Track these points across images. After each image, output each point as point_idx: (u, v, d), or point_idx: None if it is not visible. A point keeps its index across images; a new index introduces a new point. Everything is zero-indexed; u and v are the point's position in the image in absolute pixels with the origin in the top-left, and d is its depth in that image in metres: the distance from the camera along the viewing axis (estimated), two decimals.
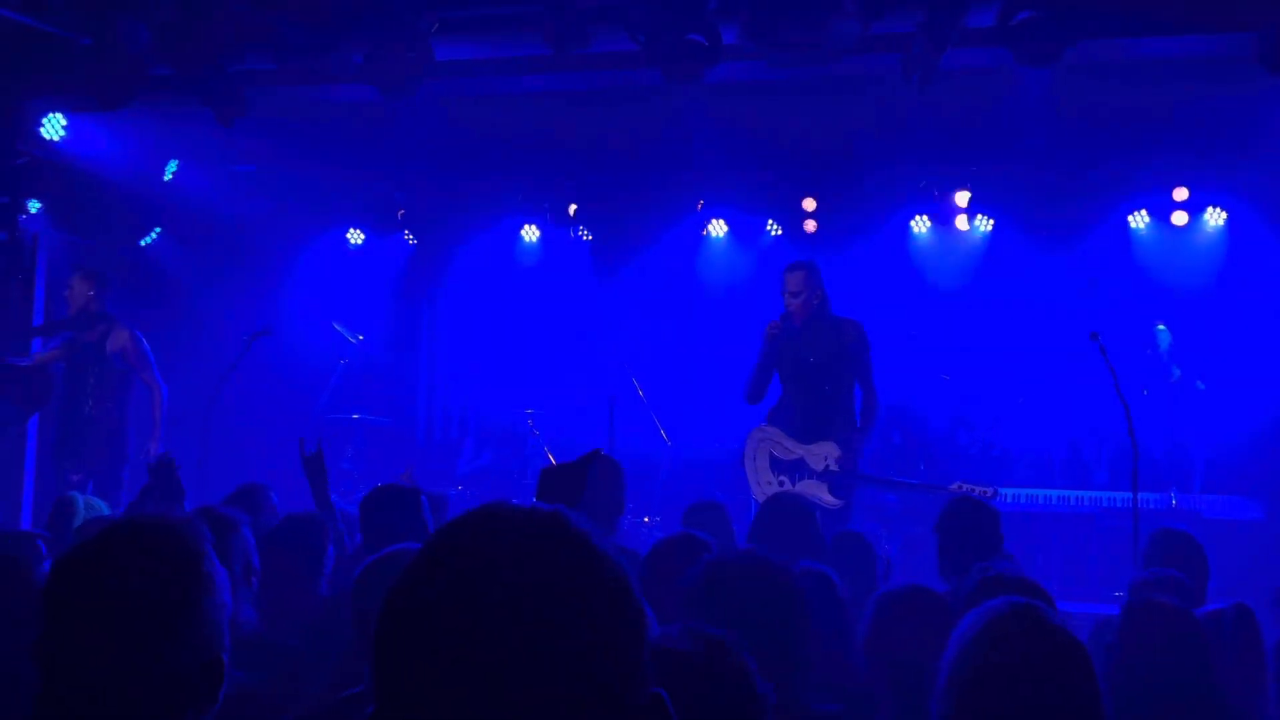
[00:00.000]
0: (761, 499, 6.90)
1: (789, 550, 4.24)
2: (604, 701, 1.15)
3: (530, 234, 11.75)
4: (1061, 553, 9.89)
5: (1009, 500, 9.55)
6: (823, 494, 7.45)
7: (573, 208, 11.28)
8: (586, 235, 11.59)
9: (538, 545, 1.19)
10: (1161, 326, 10.00)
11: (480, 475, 11.17)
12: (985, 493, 7.35)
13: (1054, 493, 9.80)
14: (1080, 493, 9.76)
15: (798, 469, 7.61)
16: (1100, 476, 9.99)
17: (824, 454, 7.52)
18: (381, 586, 3.06)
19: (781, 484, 7.52)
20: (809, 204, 10.83)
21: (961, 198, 10.54)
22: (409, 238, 11.76)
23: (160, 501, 5.71)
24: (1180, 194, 10.30)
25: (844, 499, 7.48)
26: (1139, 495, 7.18)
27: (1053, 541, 9.92)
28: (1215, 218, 10.42)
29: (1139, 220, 10.61)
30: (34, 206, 9.69)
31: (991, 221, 10.70)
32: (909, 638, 3.45)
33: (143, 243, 10.93)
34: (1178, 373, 10.13)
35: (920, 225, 10.88)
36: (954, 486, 7.53)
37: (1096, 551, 9.81)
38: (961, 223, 10.74)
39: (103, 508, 6.46)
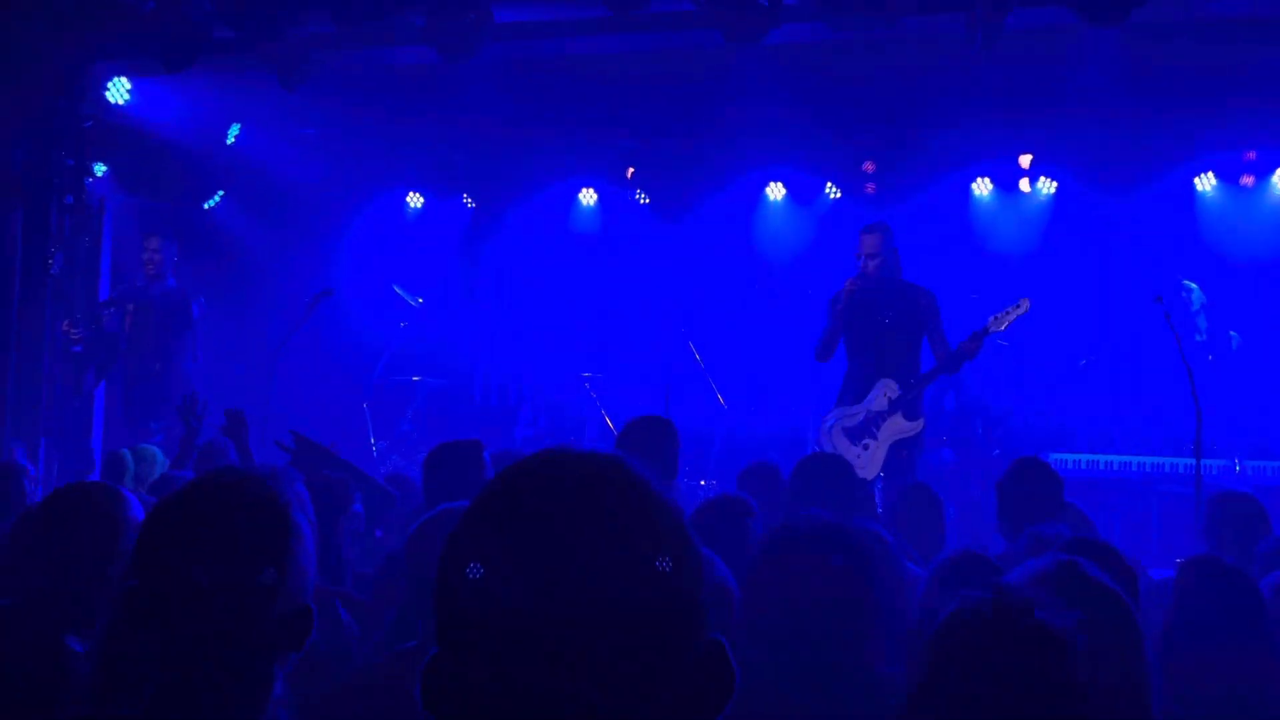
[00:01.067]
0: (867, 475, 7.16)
1: (832, 507, 4.25)
2: (663, 646, 1.16)
3: (588, 197, 11.77)
4: (1122, 519, 9.80)
5: (1069, 465, 9.47)
6: (900, 424, 7.57)
7: (630, 170, 11.27)
8: (644, 198, 11.58)
9: (598, 488, 1.19)
10: (1191, 284, 9.78)
11: (537, 440, 11.23)
12: (1018, 309, 7.61)
13: (1115, 458, 9.70)
14: (1141, 458, 9.66)
15: (870, 424, 7.67)
16: (1162, 442, 9.86)
17: (883, 393, 7.62)
18: (436, 543, 3.10)
19: (867, 446, 7.59)
20: (869, 166, 10.74)
21: (1024, 160, 10.41)
22: (468, 201, 11.81)
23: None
24: (1249, 156, 10.11)
25: (918, 416, 7.62)
26: (1201, 461, 7.09)
27: (1114, 507, 9.83)
28: None
29: (1205, 183, 10.43)
30: (100, 170, 9.83)
31: (1055, 184, 10.56)
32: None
33: (206, 205, 11.06)
34: (1236, 338, 9.93)
35: (982, 188, 10.76)
36: (990, 321, 7.65)
37: (1157, 518, 9.71)
38: (1024, 185, 10.62)
39: (157, 459, 6.59)
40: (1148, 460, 9.57)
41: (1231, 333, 9.93)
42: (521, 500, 1.19)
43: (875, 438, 7.61)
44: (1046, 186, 10.59)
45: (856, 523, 4.27)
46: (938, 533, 5.30)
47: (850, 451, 7.58)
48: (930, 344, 7.74)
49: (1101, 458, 9.76)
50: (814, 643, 2.83)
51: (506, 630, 1.15)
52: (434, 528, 3.18)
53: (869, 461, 7.50)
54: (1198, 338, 9.72)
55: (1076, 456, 9.71)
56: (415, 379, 11.27)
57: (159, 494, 4.75)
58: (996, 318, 7.66)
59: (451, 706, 1.19)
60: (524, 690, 1.14)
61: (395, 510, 5.57)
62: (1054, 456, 9.50)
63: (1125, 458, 9.71)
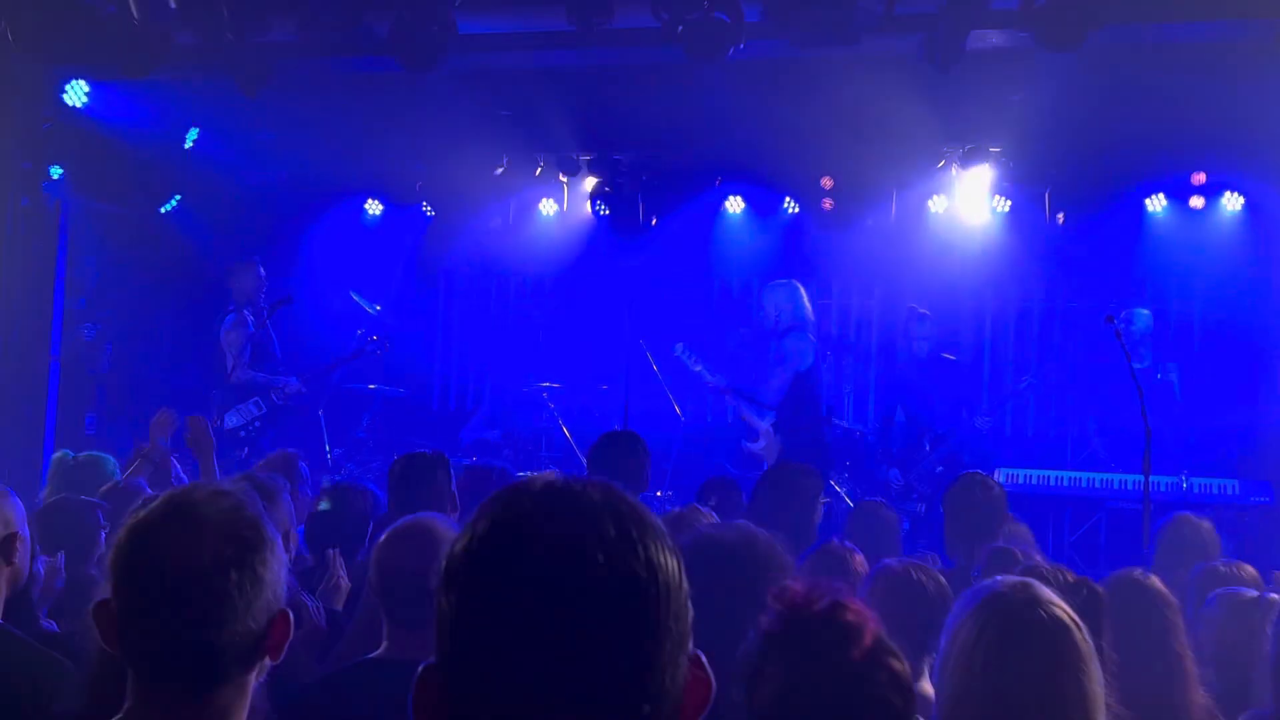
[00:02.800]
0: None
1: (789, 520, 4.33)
2: (655, 669, 1.21)
3: (548, 208, 11.80)
4: (1070, 534, 9.94)
5: (1019, 481, 9.60)
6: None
7: (590, 182, 11.32)
8: (604, 210, 11.62)
9: (603, 516, 1.23)
10: (1143, 310, 9.96)
11: (492, 446, 11.23)
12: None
13: (1065, 474, 9.84)
14: (1090, 474, 9.80)
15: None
16: (1109, 458, 10.01)
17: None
18: (402, 554, 3.13)
19: None
20: (827, 182, 10.85)
21: (977, 177, 10.56)
22: (427, 209, 11.81)
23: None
24: (1198, 178, 10.31)
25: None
26: (1150, 478, 7.20)
27: (1063, 523, 9.97)
28: (1233, 202, 10.44)
29: (1156, 204, 10.62)
30: (56, 172, 9.75)
31: (1009, 202, 10.70)
32: (904, 612, 3.51)
33: (163, 210, 10.99)
34: (1174, 369, 10.08)
35: (938, 205, 10.89)
36: None
37: (1105, 533, 9.86)
38: (977, 202, 10.76)
39: (107, 465, 6.53)
40: (1097, 476, 9.71)
41: (1170, 364, 10.09)
42: (525, 534, 1.23)
43: None
44: (1000, 205, 10.73)
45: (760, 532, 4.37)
46: (893, 548, 5.38)
47: None
48: None
49: (1051, 473, 9.89)
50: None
51: (503, 655, 1.19)
52: (400, 539, 3.21)
53: None
54: (1137, 365, 9.90)
55: (1026, 471, 9.84)
56: (371, 387, 11.25)
57: (112, 501, 4.75)
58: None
59: (439, 717, 1.24)
60: (513, 708, 1.19)
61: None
62: (1003, 471, 9.63)
63: (1074, 473, 9.84)
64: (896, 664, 2.07)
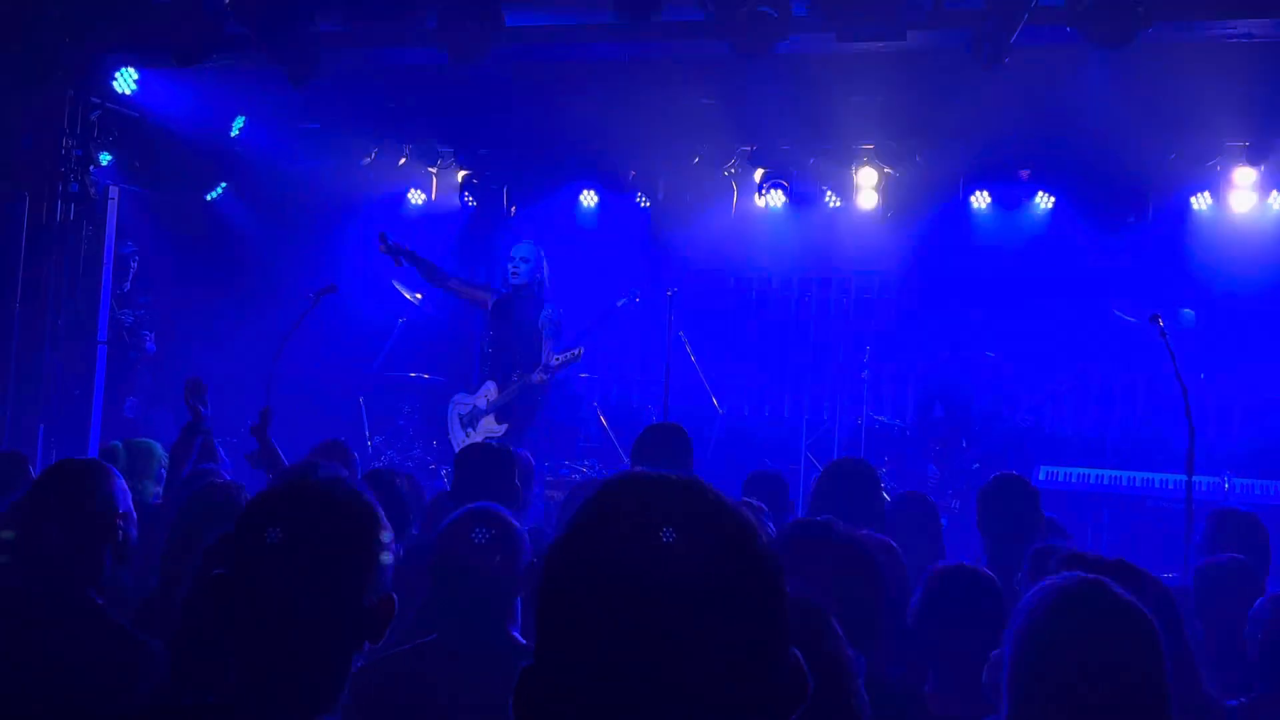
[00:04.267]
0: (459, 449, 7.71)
1: (849, 516, 4.31)
2: (758, 666, 1.23)
3: (589, 199, 11.83)
4: (1112, 534, 9.89)
5: (1059, 479, 9.56)
6: (491, 424, 9.03)
7: (632, 173, 11.34)
8: (645, 201, 11.65)
9: (706, 511, 1.25)
10: (1188, 311, 9.89)
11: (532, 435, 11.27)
12: (573, 355, 8.98)
13: (1105, 472, 9.79)
14: (1131, 473, 9.75)
15: (474, 417, 9.18)
16: (1151, 458, 9.95)
17: (484, 394, 9.18)
18: (463, 541, 3.17)
19: (469, 435, 9.05)
20: (868, 177, 10.83)
21: (1023, 174, 10.53)
22: (469, 200, 11.85)
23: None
24: (1244, 177, 10.20)
25: (506, 421, 9.02)
26: (1192, 478, 7.17)
27: (1103, 522, 9.93)
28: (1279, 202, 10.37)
29: (1201, 202, 10.53)
30: (105, 159, 9.86)
31: (1052, 200, 10.66)
32: (958, 616, 3.52)
33: (209, 197, 11.09)
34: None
35: (980, 201, 10.85)
36: (554, 359, 9.00)
37: (1147, 533, 9.81)
38: (1023, 200, 10.73)
39: (155, 452, 6.61)
40: (1138, 475, 9.66)
41: (1213, 366, 10.01)
42: (626, 523, 1.24)
43: (475, 430, 9.07)
44: (1044, 201, 10.69)
45: (866, 532, 4.38)
46: (936, 543, 5.37)
47: (454, 434, 9.35)
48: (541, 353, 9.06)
49: (1091, 471, 9.84)
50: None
51: (607, 653, 1.20)
52: (465, 527, 3.24)
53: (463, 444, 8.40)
54: (1180, 365, 9.83)
55: (1066, 470, 9.80)
56: (412, 375, 11.31)
57: (190, 488, 4.80)
58: (556, 357, 8.99)
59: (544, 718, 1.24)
60: (620, 708, 1.20)
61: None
62: (1043, 469, 9.60)
63: (1115, 472, 9.79)
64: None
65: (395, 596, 2.06)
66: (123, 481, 3.22)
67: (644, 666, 1.19)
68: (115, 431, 9.28)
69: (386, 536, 2.07)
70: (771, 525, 4.21)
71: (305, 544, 1.98)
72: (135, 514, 3.23)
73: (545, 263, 9.41)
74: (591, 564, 1.24)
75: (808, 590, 2.81)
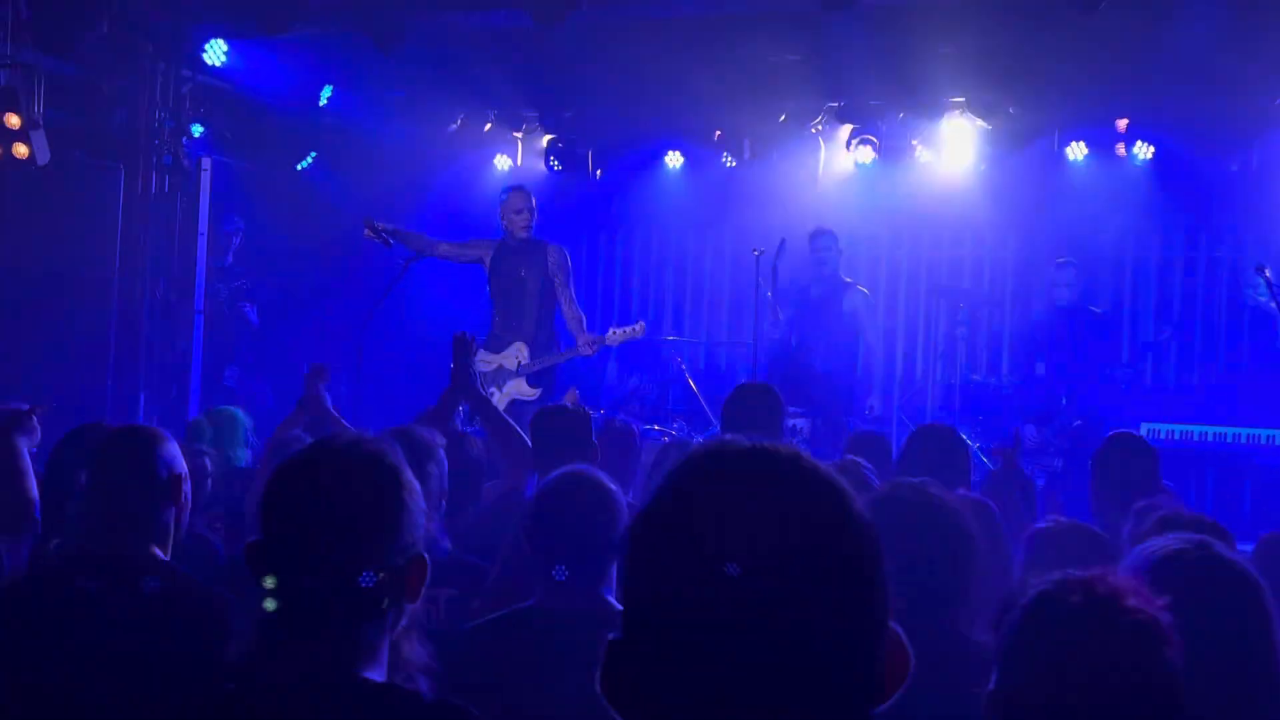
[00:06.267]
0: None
1: (939, 478, 4.24)
2: (862, 637, 1.18)
3: (674, 160, 11.76)
4: (1214, 492, 9.66)
5: (1161, 436, 9.34)
6: (521, 387, 8.47)
7: (718, 133, 11.23)
8: (730, 161, 11.54)
9: (802, 480, 1.20)
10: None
11: (625, 400, 11.28)
12: (634, 331, 8.61)
13: (1210, 429, 9.54)
14: (1236, 429, 9.49)
15: (498, 376, 8.53)
16: (1258, 413, 9.66)
17: (514, 354, 8.53)
18: (566, 507, 3.16)
19: (491, 394, 8.32)
20: (959, 129, 10.60)
21: (1121, 124, 10.22)
22: (555, 164, 11.83)
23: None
24: None
25: (539, 386, 8.48)
26: None
27: (1205, 480, 9.70)
28: None
29: None
30: (197, 131, 10.00)
31: (1152, 149, 10.34)
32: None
33: (299, 167, 11.21)
34: None
35: (1076, 152, 10.57)
36: (609, 333, 8.65)
37: (1250, 490, 9.56)
38: (1120, 150, 10.42)
39: (238, 418, 6.75)
40: (1243, 431, 9.40)
41: None
42: (721, 498, 1.19)
43: (500, 389, 8.42)
44: (1143, 151, 10.38)
45: (960, 493, 4.29)
46: (1029, 506, 5.26)
47: None
48: (560, 302, 8.60)
49: (1194, 428, 9.60)
50: (907, 604, 2.87)
51: (692, 635, 1.16)
52: (561, 491, 3.23)
53: None
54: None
55: (1168, 427, 9.57)
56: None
57: (281, 454, 4.87)
58: (614, 331, 8.63)
59: (633, 695, 1.20)
60: (710, 686, 1.16)
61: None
62: (1144, 426, 9.39)
63: (1220, 428, 9.54)
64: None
65: (426, 557, 2.09)
66: (175, 445, 3.26)
67: (732, 648, 1.14)
68: (215, 400, 9.46)
69: (411, 498, 2.09)
70: (872, 475, 4.15)
71: (324, 504, 2.03)
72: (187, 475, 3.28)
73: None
74: (678, 540, 1.19)
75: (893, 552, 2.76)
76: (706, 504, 1.19)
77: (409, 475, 2.11)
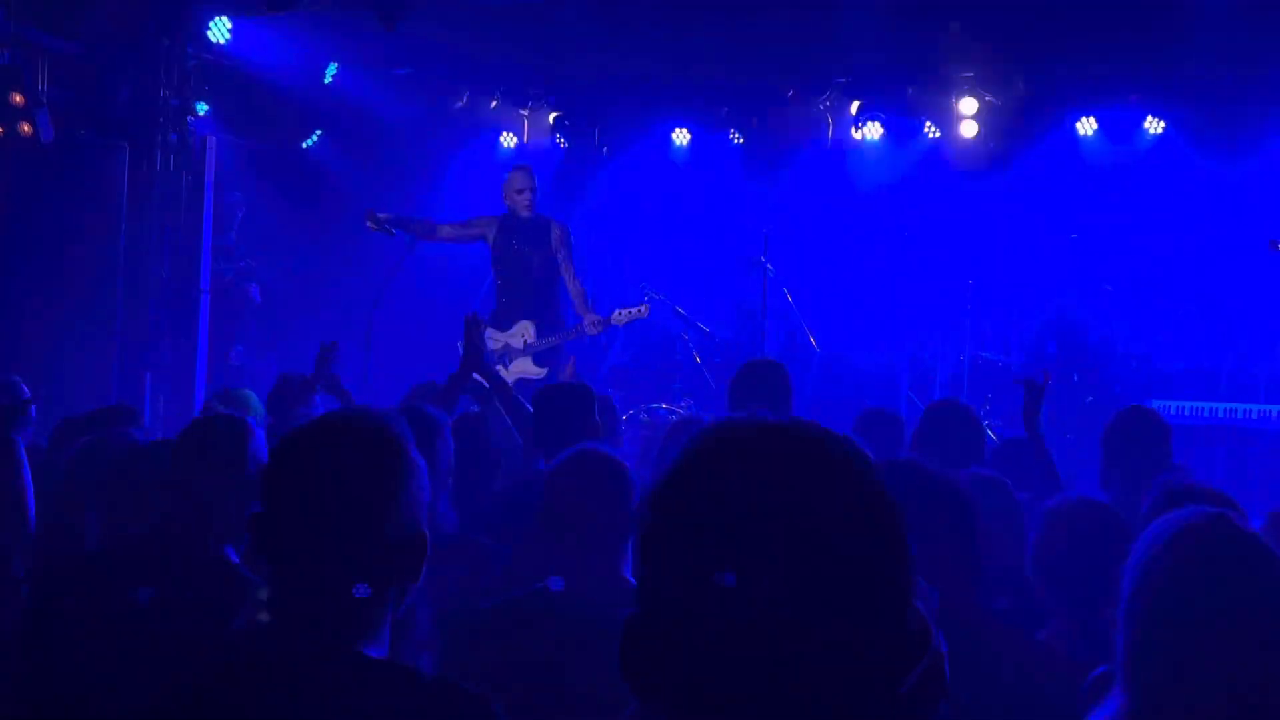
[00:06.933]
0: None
1: (950, 459, 4.22)
2: (882, 612, 1.16)
3: (681, 137, 11.70)
4: (1223, 468, 9.62)
5: (1171, 412, 9.30)
6: (528, 366, 8.46)
7: (725, 110, 11.18)
8: (738, 138, 11.48)
9: (815, 452, 1.18)
10: None
11: (624, 374, 11.26)
12: (639, 311, 8.57)
13: (1219, 405, 9.50)
14: (1247, 406, 9.44)
15: (505, 354, 8.55)
16: (1269, 390, 9.63)
17: (520, 333, 8.57)
18: (573, 486, 3.12)
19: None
20: (968, 105, 10.53)
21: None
22: (561, 141, 11.78)
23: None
24: None
25: (546, 365, 8.49)
26: None
27: (1214, 456, 9.66)
28: None
29: None
30: (202, 109, 9.95)
31: (1162, 124, 10.27)
32: (1082, 552, 3.40)
33: (304, 145, 11.16)
34: None
35: (1086, 127, 10.50)
36: (614, 315, 8.58)
37: (1259, 467, 9.52)
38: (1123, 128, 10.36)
39: (251, 403, 6.72)
40: (1254, 408, 9.36)
41: None
42: (731, 472, 1.18)
43: (506, 368, 8.41)
44: (1154, 127, 10.31)
45: (974, 470, 4.25)
46: (1051, 478, 5.21)
47: None
48: (564, 278, 8.61)
49: (1205, 405, 9.56)
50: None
51: (708, 610, 1.14)
52: (575, 470, 3.20)
53: None
54: None
55: (1179, 403, 9.53)
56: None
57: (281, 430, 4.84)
58: (619, 313, 8.54)
59: (649, 670, 1.19)
60: (727, 666, 1.14)
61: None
62: (1156, 403, 9.34)
63: (1230, 405, 9.50)
64: None
65: (427, 535, 2.06)
66: (263, 436, 3.23)
67: (751, 628, 1.12)
68: (221, 379, 9.44)
69: (412, 475, 2.06)
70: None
71: (321, 479, 2.02)
72: None
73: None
74: (690, 517, 1.17)
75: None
76: (718, 486, 1.17)
77: (411, 452, 2.08)
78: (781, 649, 1.13)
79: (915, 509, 2.86)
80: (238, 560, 3.09)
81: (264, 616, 2.00)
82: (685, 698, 1.16)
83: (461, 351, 5.40)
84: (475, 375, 5.34)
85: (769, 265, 10.29)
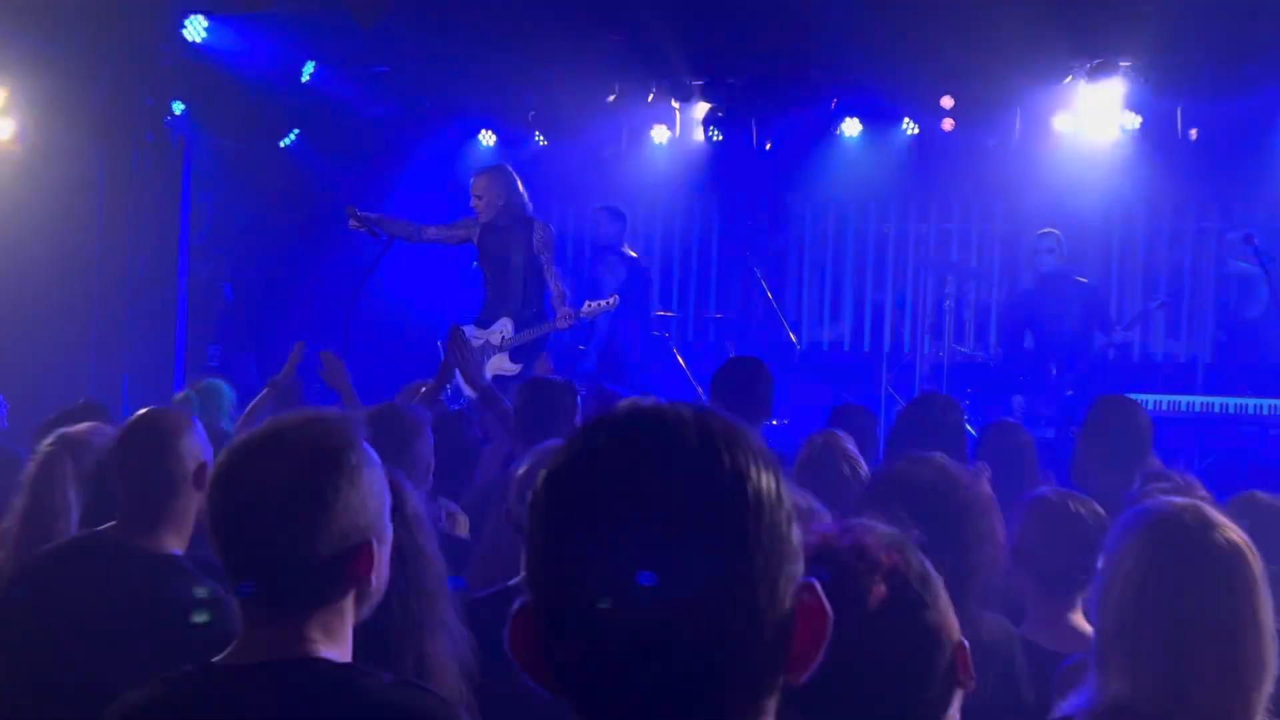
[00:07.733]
0: (469, 392, 7.45)
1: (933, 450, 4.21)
2: (755, 578, 1.14)
3: (660, 135, 11.69)
4: (1201, 461, 9.66)
5: (1149, 406, 9.32)
6: (505, 364, 8.49)
7: (703, 108, 11.16)
8: (716, 136, 11.48)
9: (685, 429, 1.17)
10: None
11: (606, 375, 11.25)
12: (607, 304, 8.61)
13: (1197, 399, 9.54)
14: (1225, 399, 9.49)
15: (483, 352, 8.51)
16: (1249, 381, 9.67)
17: (499, 330, 8.56)
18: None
19: None
20: (947, 101, 10.55)
21: (1106, 92, 10.15)
22: (540, 139, 11.77)
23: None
24: None
25: (520, 362, 8.52)
26: None
27: (1193, 449, 9.70)
28: None
29: None
30: (178, 108, 9.89)
31: (1139, 119, 10.29)
32: (1061, 544, 3.40)
33: (282, 144, 11.11)
34: None
35: (1064, 123, 10.52)
36: (584, 307, 8.58)
37: (1242, 459, 9.56)
38: (1105, 120, 10.36)
39: (223, 391, 6.72)
40: (1230, 401, 9.40)
41: None
42: (603, 452, 1.17)
43: (484, 364, 8.44)
44: (1131, 121, 10.34)
45: (961, 467, 4.25)
46: (1032, 471, 5.21)
47: None
48: (544, 273, 8.59)
49: (1182, 398, 9.60)
50: None
51: (579, 575, 1.14)
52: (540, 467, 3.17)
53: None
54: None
55: (1155, 397, 9.56)
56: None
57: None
58: (589, 305, 8.60)
59: (532, 655, 1.20)
60: (604, 657, 1.14)
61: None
62: (1133, 397, 9.37)
63: (1208, 398, 9.54)
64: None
65: (374, 544, 2.03)
66: (201, 429, 3.22)
67: (623, 618, 1.12)
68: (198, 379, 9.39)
69: (350, 481, 2.01)
70: (854, 448, 4.12)
71: (249, 491, 2.01)
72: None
73: (513, 181, 8.65)
74: (562, 486, 1.18)
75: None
76: (594, 471, 1.17)
77: (355, 460, 2.03)
78: (655, 645, 1.12)
79: (922, 507, 2.87)
80: (180, 555, 3.08)
81: (202, 618, 2.01)
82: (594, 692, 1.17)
83: (442, 355, 5.40)
84: (466, 390, 5.35)
85: (757, 270, 10.33)
